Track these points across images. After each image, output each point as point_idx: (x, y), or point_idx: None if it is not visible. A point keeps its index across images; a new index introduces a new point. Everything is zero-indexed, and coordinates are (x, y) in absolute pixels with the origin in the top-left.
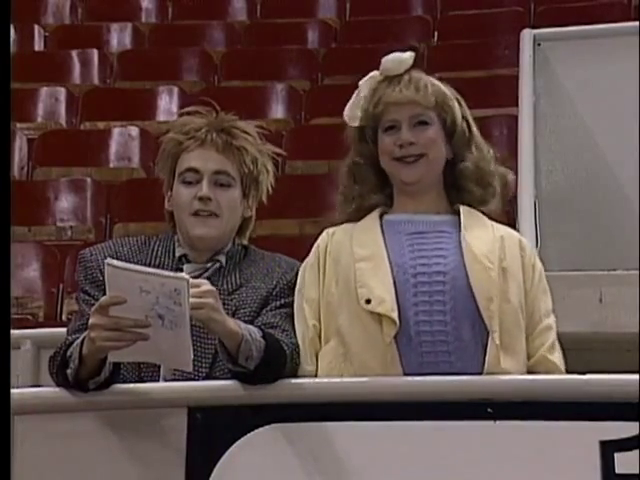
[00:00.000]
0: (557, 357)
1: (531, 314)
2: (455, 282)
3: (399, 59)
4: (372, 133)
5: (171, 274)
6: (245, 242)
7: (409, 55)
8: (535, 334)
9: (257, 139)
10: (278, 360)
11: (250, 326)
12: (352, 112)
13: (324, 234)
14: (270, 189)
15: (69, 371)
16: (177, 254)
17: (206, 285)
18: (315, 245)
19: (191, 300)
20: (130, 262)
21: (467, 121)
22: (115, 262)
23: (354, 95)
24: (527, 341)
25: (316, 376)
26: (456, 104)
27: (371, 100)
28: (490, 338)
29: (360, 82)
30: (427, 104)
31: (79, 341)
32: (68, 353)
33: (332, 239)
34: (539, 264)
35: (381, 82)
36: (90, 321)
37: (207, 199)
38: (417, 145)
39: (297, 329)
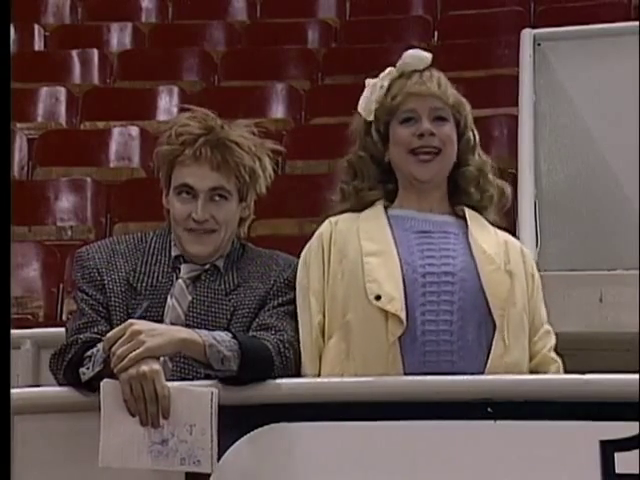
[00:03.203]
0: (558, 358)
1: (532, 320)
2: (464, 283)
3: (419, 55)
4: (383, 127)
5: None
6: (243, 234)
7: (428, 54)
8: (537, 338)
9: (252, 145)
10: (260, 355)
11: (216, 331)
12: (368, 105)
13: (327, 223)
14: (269, 183)
15: (85, 370)
16: (173, 254)
17: (130, 325)
18: (317, 234)
19: (126, 347)
20: (126, 261)
21: (473, 131)
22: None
23: (367, 90)
24: (529, 344)
25: (319, 374)
26: (469, 111)
27: (388, 93)
28: (497, 338)
29: (380, 76)
30: (447, 100)
31: (104, 347)
32: (88, 353)
33: (336, 228)
34: (537, 274)
35: (398, 78)
36: (143, 368)
37: (203, 221)
38: (437, 138)
39: (300, 329)
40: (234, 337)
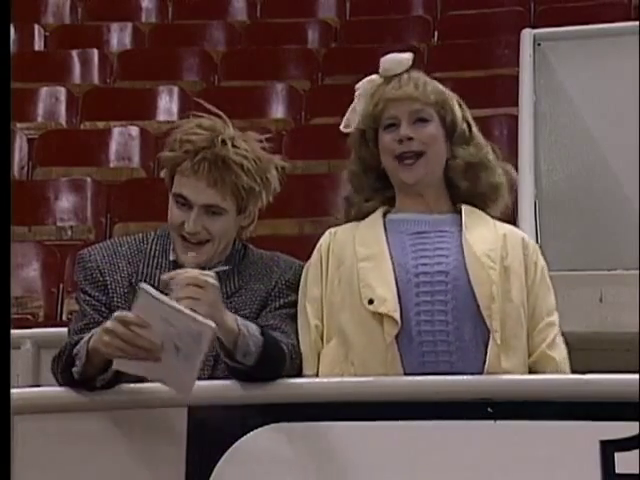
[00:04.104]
0: (557, 353)
1: (532, 312)
2: (456, 282)
3: (397, 59)
4: (373, 134)
5: (199, 318)
6: (245, 237)
7: (408, 55)
8: (536, 332)
9: (254, 163)
10: (276, 358)
11: (248, 322)
12: (349, 117)
13: (326, 234)
14: (274, 193)
15: (75, 369)
16: (172, 258)
17: (211, 279)
18: (318, 245)
19: (190, 290)
20: (128, 263)
21: (467, 122)
22: (149, 289)
23: (354, 101)
24: (528, 338)
25: (317, 376)
26: (456, 104)
27: (371, 101)
28: (491, 338)
29: (357, 85)
30: (426, 100)
31: (86, 339)
32: (74, 351)
33: (335, 238)
34: (542, 261)
35: (380, 84)
36: (107, 325)
37: (194, 233)
38: (416, 141)
39: (300, 331)
40: (262, 333)
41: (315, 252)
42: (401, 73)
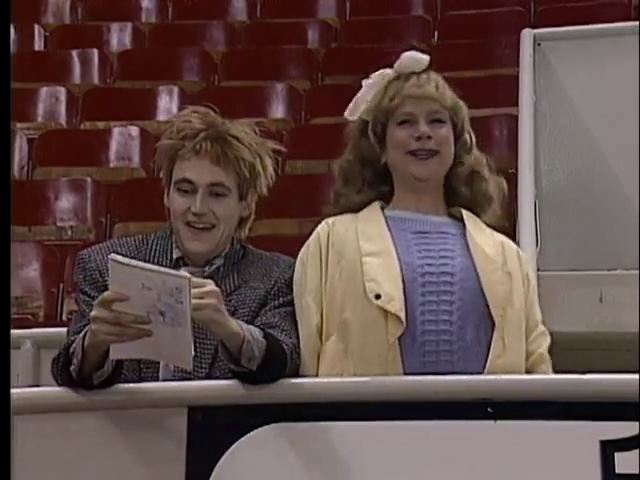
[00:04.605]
0: (550, 361)
1: (527, 322)
2: (464, 283)
3: (418, 57)
4: (380, 128)
5: (173, 272)
6: (244, 236)
7: (426, 56)
8: (532, 338)
9: (254, 143)
10: (279, 360)
11: (251, 326)
12: (356, 106)
13: (323, 224)
14: (270, 183)
15: (72, 367)
16: (174, 256)
17: (210, 285)
18: (314, 235)
19: (192, 300)
20: None
21: (469, 133)
22: (118, 258)
23: (361, 90)
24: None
25: (317, 374)
26: (466, 113)
27: (385, 94)
28: (496, 338)
29: (370, 77)
30: (444, 103)
31: (81, 336)
32: (71, 350)
33: (333, 230)
34: (532, 275)
35: (395, 79)
36: (92, 313)
37: (201, 215)
38: (433, 140)
39: (300, 328)
40: (265, 337)
41: (312, 241)
42: (419, 72)
